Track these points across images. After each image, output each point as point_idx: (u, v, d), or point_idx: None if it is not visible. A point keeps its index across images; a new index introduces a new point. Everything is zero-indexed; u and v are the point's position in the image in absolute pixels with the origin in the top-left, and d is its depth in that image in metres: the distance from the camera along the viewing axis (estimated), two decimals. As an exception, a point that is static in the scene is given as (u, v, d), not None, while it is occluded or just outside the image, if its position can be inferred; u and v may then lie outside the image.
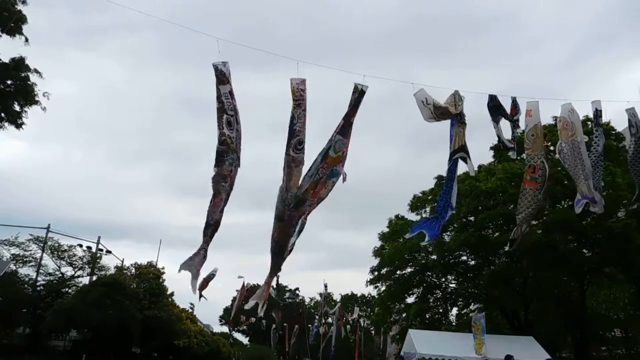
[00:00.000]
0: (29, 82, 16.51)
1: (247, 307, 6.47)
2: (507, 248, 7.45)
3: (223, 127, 6.19)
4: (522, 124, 7.47)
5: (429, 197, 26.60)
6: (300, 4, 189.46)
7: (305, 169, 6.36)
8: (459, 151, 7.24)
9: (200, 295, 24.81)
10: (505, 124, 7.77)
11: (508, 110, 7.68)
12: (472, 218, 23.46)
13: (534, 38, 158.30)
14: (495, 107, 7.57)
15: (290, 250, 6.35)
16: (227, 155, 6.21)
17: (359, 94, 6.33)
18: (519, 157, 8.12)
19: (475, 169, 25.75)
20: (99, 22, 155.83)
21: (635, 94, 7.71)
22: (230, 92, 6.27)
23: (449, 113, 6.96)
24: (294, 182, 6.11)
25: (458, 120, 7.23)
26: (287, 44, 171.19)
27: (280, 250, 6.24)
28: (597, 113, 7.77)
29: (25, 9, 15.91)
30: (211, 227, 6.26)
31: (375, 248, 28.06)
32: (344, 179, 6.42)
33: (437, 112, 6.76)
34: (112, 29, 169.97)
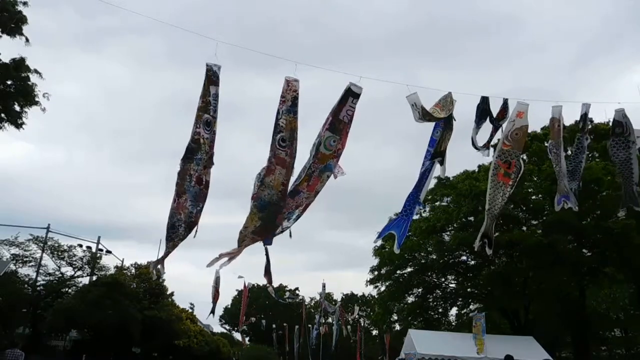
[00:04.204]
0: (29, 83, 16.53)
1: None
2: (476, 243, 7.53)
3: (200, 127, 6.18)
4: (506, 124, 7.65)
5: (429, 197, 26.61)
6: (307, 6, 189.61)
7: (296, 171, 6.42)
8: (438, 155, 7.56)
9: (213, 310, 26.80)
10: (487, 128, 8.02)
11: (496, 111, 7.86)
12: (472, 218, 23.47)
13: (537, 41, 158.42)
14: (483, 110, 7.80)
15: (283, 231, 6.33)
16: (196, 155, 6.18)
17: (346, 91, 6.45)
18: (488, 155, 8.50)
19: (476, 169, 25.87)
20: (106, 25, 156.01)
21: (636, 95, 7.76)
22: (217, 95, 6.31)
23: (435, 118, 7.26)
24: (275, 181, 6.02)
25: (446, 123, 7.47)
26: (294, 45, 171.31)
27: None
28: (585, 117, 7.87)
29: (33, 12, 15.95)
30: (177, 230, 5.99)
31: (375, 247, 28.10)
32: (336, 176, 6.47)
33: (425, 117, 7.04)
34: (119, 31, 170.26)
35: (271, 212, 6.07)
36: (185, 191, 6.08)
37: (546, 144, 22.38)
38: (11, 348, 11.67)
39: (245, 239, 6.04)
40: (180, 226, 6.02)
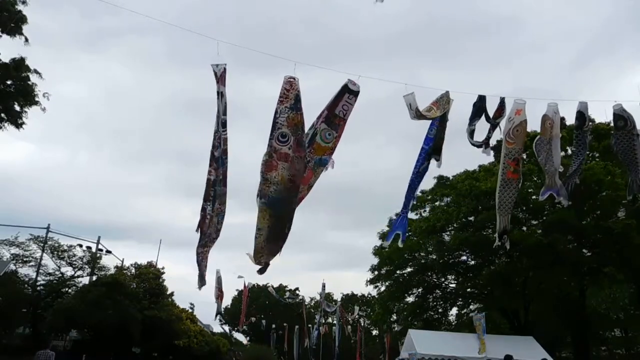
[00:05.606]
0: (29, 83, 16.53)
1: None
2: (497, 243, 7.83)
3: (219, 128, 6.31)
4: (504, 123, 7.77)
5: (429, 197, 26.63)
6: (307, 6, 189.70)
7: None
8: (435, 153, 7.96)
9: (219, 311, 26.91)
10: (483, 126, 8.15)
11: (493, 110, 7.96)
12: (472, 218, 23.48)
13: (537, 40, 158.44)
14: (479, 108, 7.92)
15: None
16: (223, 155, 6.33)
17: (343, 87, 6.56)
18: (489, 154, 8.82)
19: (476, 168, 25.90)
20: (106, 25, 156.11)
21: (636, 95, 7.74)
22: (222, 94, 6.37)
23: (429, 118, 7.48)
24: (280, 176, 5.95)
25: (441, 121, 7.69)
26: (294, 45, 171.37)
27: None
28: (581, 115, 7.86)
29: (33, 12, 15.96)
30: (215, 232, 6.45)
31: (376, 247, 28.10)
32: (327, 167, 6.59)
33: (420, 117, 7.23)
34: (120, 31, 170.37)
35: (282, 209, 6.00)
36: (220, 195, 6.47)
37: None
38: (43, 349, 11.81)
39: (262, 249, 5.93)
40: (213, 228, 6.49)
